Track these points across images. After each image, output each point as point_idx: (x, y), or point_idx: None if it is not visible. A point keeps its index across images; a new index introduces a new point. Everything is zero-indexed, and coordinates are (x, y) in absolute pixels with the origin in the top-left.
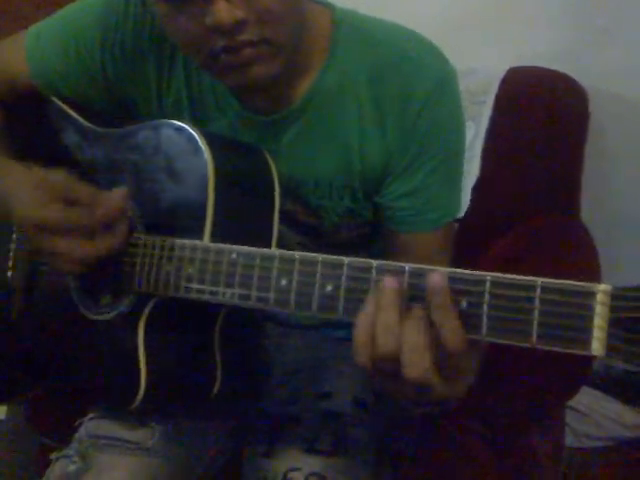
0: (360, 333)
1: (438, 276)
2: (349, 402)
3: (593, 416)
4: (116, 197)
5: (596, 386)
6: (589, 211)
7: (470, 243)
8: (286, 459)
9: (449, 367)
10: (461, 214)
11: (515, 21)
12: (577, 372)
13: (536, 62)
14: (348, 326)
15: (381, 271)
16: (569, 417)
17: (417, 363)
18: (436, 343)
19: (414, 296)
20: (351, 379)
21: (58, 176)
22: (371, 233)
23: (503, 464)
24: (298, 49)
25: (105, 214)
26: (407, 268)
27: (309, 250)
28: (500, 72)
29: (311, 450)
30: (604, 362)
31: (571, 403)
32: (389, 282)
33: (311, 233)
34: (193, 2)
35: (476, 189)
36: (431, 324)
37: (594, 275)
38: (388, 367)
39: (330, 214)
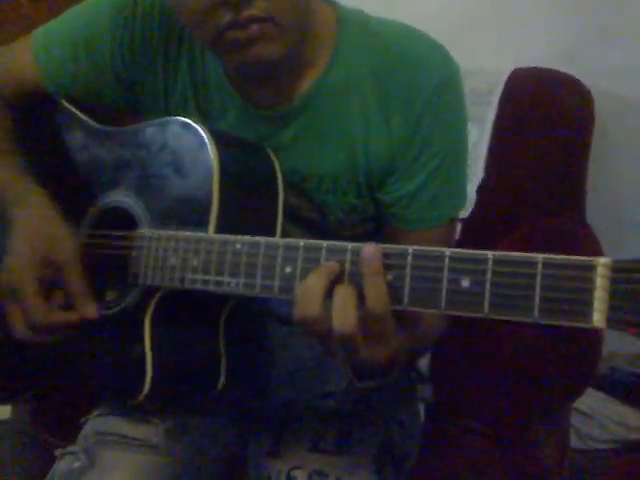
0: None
1: (371, 247)
2: (353, 401)
3: (597, 418)
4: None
5: (600, 388)
6: (592, 211)
7: (475, 244)
8: (290, 457)
9: (374, 330)
10: (466, 214)
11: (516, 21)
12: (582, 374)
13: (539, 62)
14: None
15: (385, 255)
16: (573, 419)
17: (345, 320)
18: (364, 309)
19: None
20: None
21: (66, 253)
22: (374, 230)
23: (507, 466)
24: (303, 43)
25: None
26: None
27: None
28: (505, 72)
29: (315, 449)
30: (609, 364)
31: (575, 405)
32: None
33: (315, 229)
34: None
35: (481, 190)
36: (360, 292)
37: None
38: (317, 329)
39: (334, 210)
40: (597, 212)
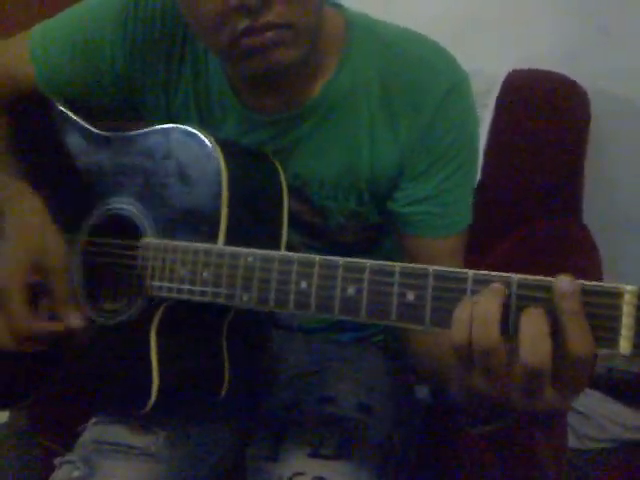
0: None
1: (568, 281)
2: (353, 406)
3: (594, 418)
4: (76, 321)
5: (597, 387)
6: (590, 212)
7: (472, 246)
8: (290, 463)
9: (568, 376)
10: None
11: (517, 23)
12: None
13: (537, 64)
14: (352, 330)
15: (404, 275)
16: (570, 418)
17: (538, 349)
18: (559, 351)
19: None
20: (355, 383)
21: (55, 259)
22: (376, 237)
23: (505, 466)
24: (315, 48)
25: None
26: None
27: (312, 251)
28: (501, 74)
29: (315, 454)
30: (606, 364)
31: (572, 404)
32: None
33: (315, 233)
34: None
35: (478, 191)
36: (555, 330)
37: (596, 277)
38: (494, 362)
39: (335, 215)
40: (594, 213)
